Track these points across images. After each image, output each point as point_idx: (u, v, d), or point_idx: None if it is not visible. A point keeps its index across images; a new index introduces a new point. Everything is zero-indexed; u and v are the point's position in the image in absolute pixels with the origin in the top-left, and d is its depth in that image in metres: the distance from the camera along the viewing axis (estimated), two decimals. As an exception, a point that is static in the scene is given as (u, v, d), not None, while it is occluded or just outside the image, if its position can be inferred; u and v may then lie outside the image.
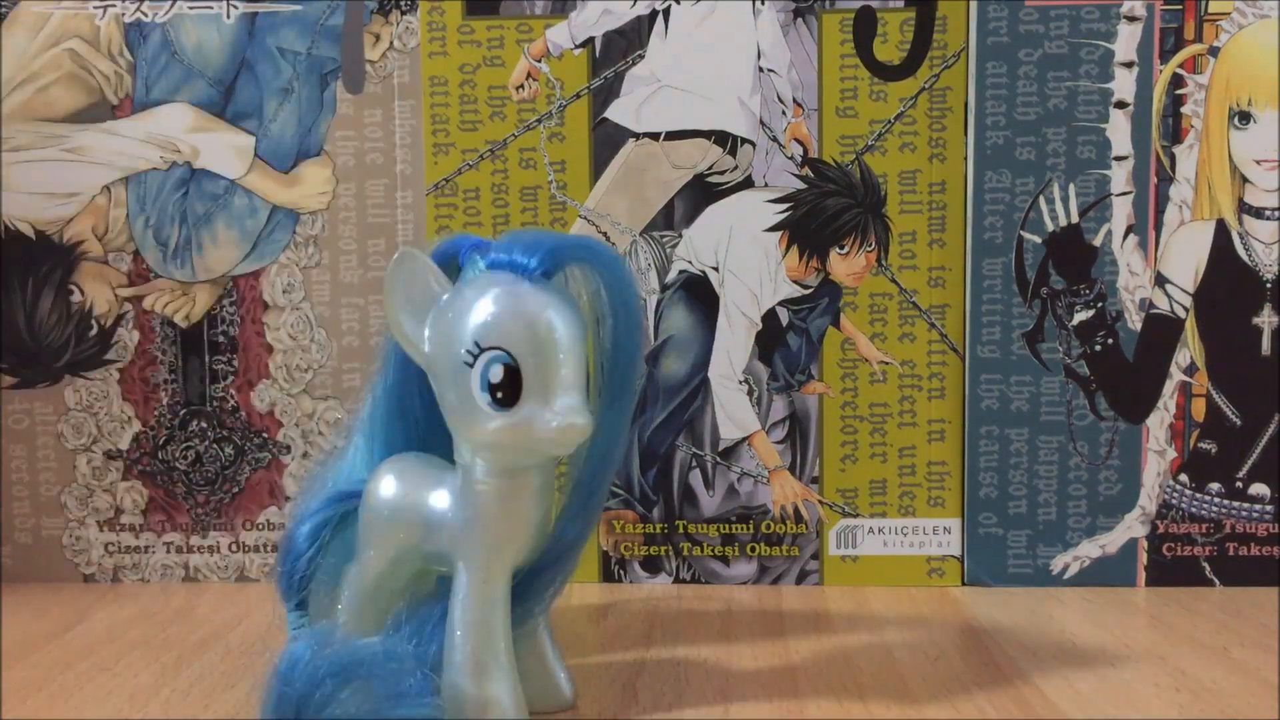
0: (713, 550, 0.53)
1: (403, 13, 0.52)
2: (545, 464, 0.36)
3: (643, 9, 0.51)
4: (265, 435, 0.54)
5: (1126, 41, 0.50)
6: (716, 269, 0.52)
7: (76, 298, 0.53)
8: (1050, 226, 0.51)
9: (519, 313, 0.34)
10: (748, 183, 0.52)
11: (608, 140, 0.52)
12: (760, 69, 0.51)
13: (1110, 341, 0.51)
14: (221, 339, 0.53)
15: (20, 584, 0.54)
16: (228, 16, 0.52)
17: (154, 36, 0.53)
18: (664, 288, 0.52)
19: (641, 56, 0.52)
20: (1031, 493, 0.52)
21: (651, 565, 0.53)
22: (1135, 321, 0.51)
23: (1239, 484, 0.51)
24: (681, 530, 0.53)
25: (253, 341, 0.53)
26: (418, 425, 0.39)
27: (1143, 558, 0.52)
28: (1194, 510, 0.52)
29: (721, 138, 0.52)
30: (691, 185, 0.52)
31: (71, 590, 0.53)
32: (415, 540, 0.37)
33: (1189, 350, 0.51)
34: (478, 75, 0.52)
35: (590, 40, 0.52)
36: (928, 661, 0.43)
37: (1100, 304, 0.51)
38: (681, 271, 0.52)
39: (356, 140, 0.53)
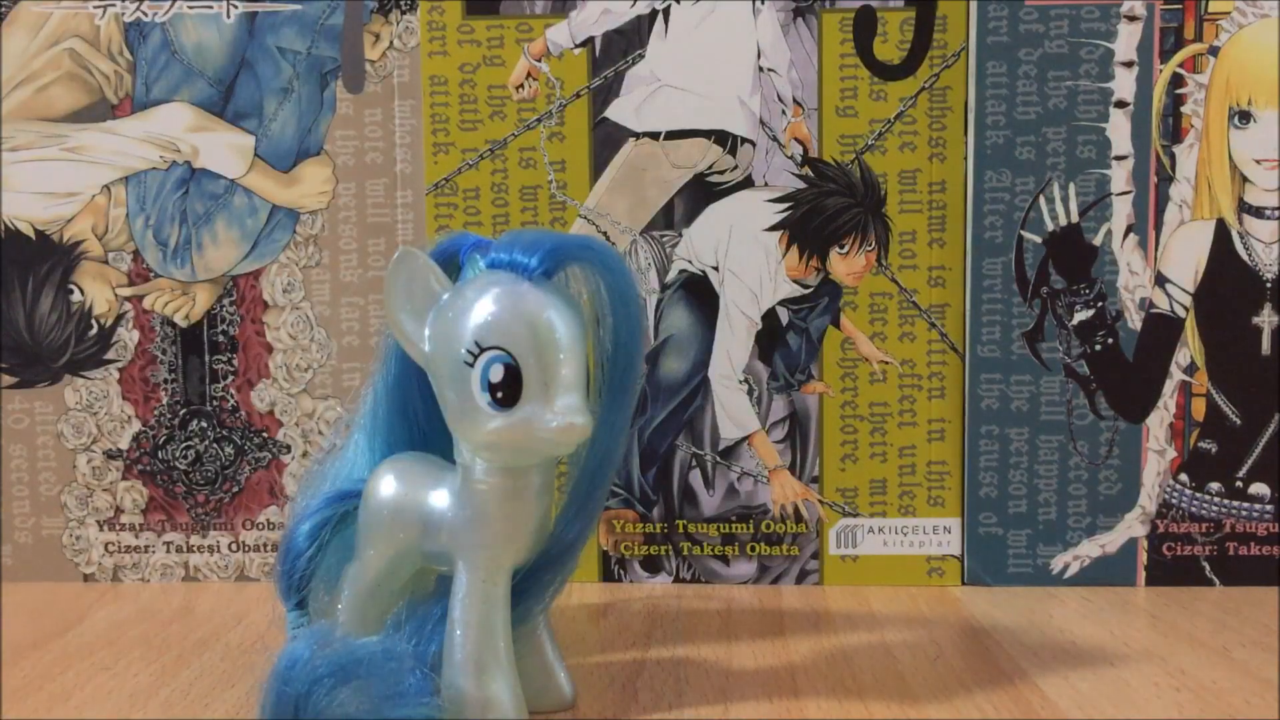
0: (713, 550, 0.53)
1: (403, 12, 0.52)
2: (545, 464, 0.36)
3: (643, 8, 0.51)
4: (265, 435, 0.54)
5: (1126, 41, 0.50)
6: (716, 268, 0.52)
7: (76, 297, 0.53)
8: (1050, 226, 0.51)
9: (519, 312, 0.34)
10: (748, 182, 0.52)
11: (608, 140, 0.52)
12: (760, 68, 0.51)
13: (1110, 341, 0.51)
14: (221, 338, 0.53)
15: (20, 584, 0.54)
16: (228, 16, 0.52)
17: (154, 36, 0.53)
18: (664, 287, 0.52)
19: (641, 56, 0.52)
20: (1031, 492, 0.52)
21: (651, 565, 0.53)
22: (1135, 321, 0.51)
23: (1239, 483, 0.51)
24: (681, 530, 0.53)
25: (253, 341, 0.53)
26: (418, 424, 0.39)
27: (1143, 557, 0.52)
28: (1194, 510, 0.52)
29: (721, 137, 0.52)
30: (691, 185, 0.52)
31: (71, 590, 0.53)
32: (415, 540, 0.37)
33: (1189, 350, 0.51)
34: (478, 75, 0.52)
35: (590, 40, 0.52)
36: (928, 661, 0.43)
37: (1100, 303, 0.51)
38: (681, 271, 0.52)
39: (356, 140, 0.53)
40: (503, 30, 0.52)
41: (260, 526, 0.54)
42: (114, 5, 0.53)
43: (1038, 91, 0.51)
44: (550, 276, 0.35)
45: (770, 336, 0.52)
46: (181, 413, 0.54)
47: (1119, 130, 0.51)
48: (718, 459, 0.53)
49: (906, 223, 0.51)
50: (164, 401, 0.54)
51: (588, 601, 0.51)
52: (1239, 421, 0.51)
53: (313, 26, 0.52)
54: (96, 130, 0.53)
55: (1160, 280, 0.51)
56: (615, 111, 0.52)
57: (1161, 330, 0.51)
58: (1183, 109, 0.51)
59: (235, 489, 0.54)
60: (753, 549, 0.53)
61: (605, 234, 0.52)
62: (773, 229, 0.52)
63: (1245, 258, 0.51)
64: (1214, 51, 0.50)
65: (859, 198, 0.51)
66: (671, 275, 0.52)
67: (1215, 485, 0.52)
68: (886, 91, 0.51)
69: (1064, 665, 0.42)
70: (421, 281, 0.36)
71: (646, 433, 0.53)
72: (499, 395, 0.34)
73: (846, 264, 0.52)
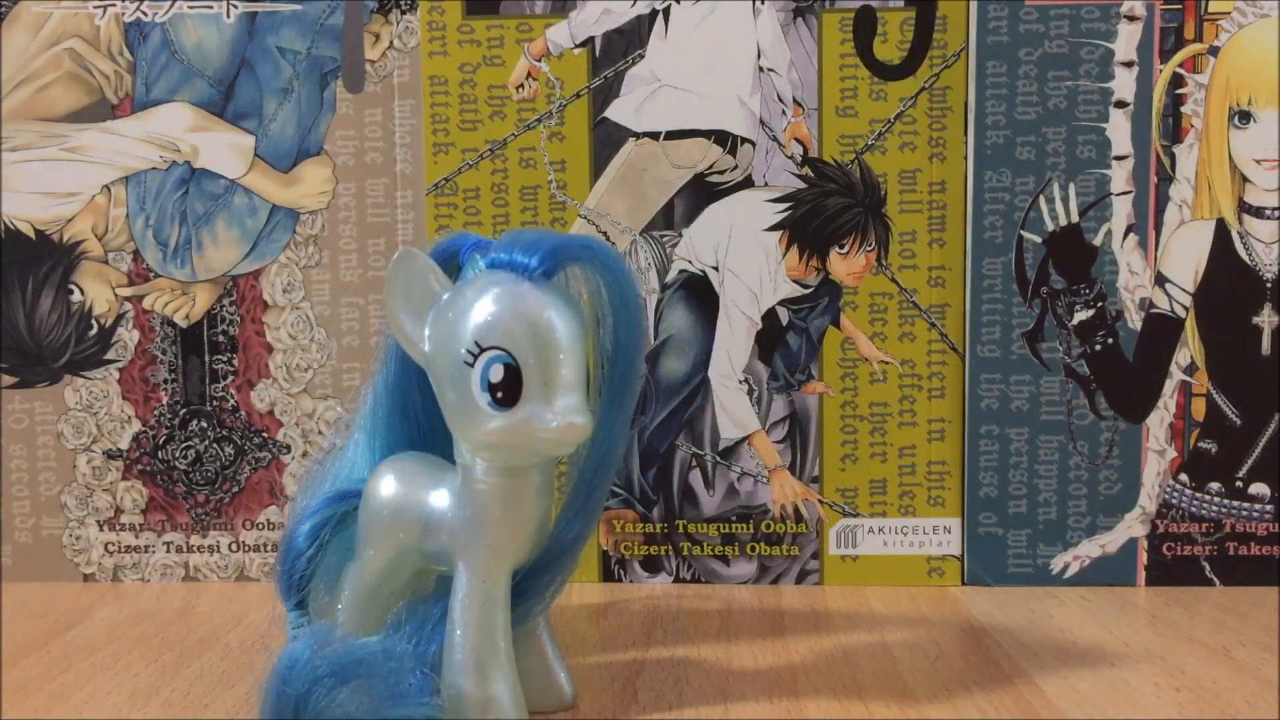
0: (713, 550, 0.53)
1: (403, 12, 0.52)
2: (545, 464, 0.36)
3: (643, 8, 0.51)
4: (265, 435, 0.54)
5: (1126, 41, 0.50)
6: (716, 268, 0.52)
7: (76, 297, 0.53)
8: (1050, 226, 0.51)
9: (519, 312, 0.34)
10: (748, 182, 0.52)
11: (608, 140, 0.52)
12: (760, 68, 0.51)
13: (1110, 341, 0.51)
14: (221, 338, 0.53)
15: (20, 584, 0.54)
16: (228, 16, 0.52)
17: (154, 36, 0.53)
18: (664, 287, 0.52)
19: (641, 56, 0.52)
20: (1031, 492, 0.52)
21: (651, 565, 0.53)
22: (1135, 321, 0.51)
23: (1239, 483, 0.51)
24: (681, 530, 0.53)
25: (253, 341, 0.53)
26: (418, 423, 0.39)
27: (1143, 557, 0.52)
28: (1194, 510, 0.52)
29: (721, 137, 0.52)
30: (691, 185, 0.52)
31: (71, 590, 0.53)
32: (415, 540, 0.37)
33: (1189, 350, 0.51)
34: (478, 75, 0.52)
35: (590, 40, 0.52)
36: (928, 661, 0.43)
37: (1100, 303, 0.51)
38: (681, 271, 0.52)
39: (356, 140, 0.53)
40: (503, 30, 0.52)
41: (260, 526, 0.54)
42: (114, 5, 0.53)
43: (1038, 91, 0.51)
44: (550, 276, 0.35)
45: (770, 336, 0.52)
46: (181, 413, 0.54)
47: (1119, 130, 0.51)
48: (718, 459, 0.53)
49: (906, 223, 0.51)
50: (164, 401, 0.54)
51: (588, 601, 0.51)
52: (1239, 421, 0.51)
53: (313, 26, 0.52)
54: (96, 130, 0.53)
55: (1160, 280, 0.51)
56: (615, 111, 0.52)
57: (1161, 330, 0.51)
58: (1183, 109, 0.51)
59: (235, 489, 0.54)
60: (753, 549, 0.53)
61: (605, 234, 0.52)
62: (773, 229, 0.52)
63: (1245, 258, 0.51)
64: (1214, 51, 0.50)
65: (859, 198, 0.51)
66: (671, 275, 0.52)
67: (1215, 485, 0.52)
68: (886, 91, 0.51)
69: (1064, 665, 0.42)
70: (421, 281, 0.36)
71: (646, 433, 0.53)
72: (499, 395, 0.34)
73: (846, 264, 0.52)
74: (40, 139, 0.53)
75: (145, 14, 0.53)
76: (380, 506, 0.37)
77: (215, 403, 0.54)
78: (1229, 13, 0.50)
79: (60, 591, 0.53)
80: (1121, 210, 0.51)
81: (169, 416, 0.54)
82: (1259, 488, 0.51)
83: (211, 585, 0.54)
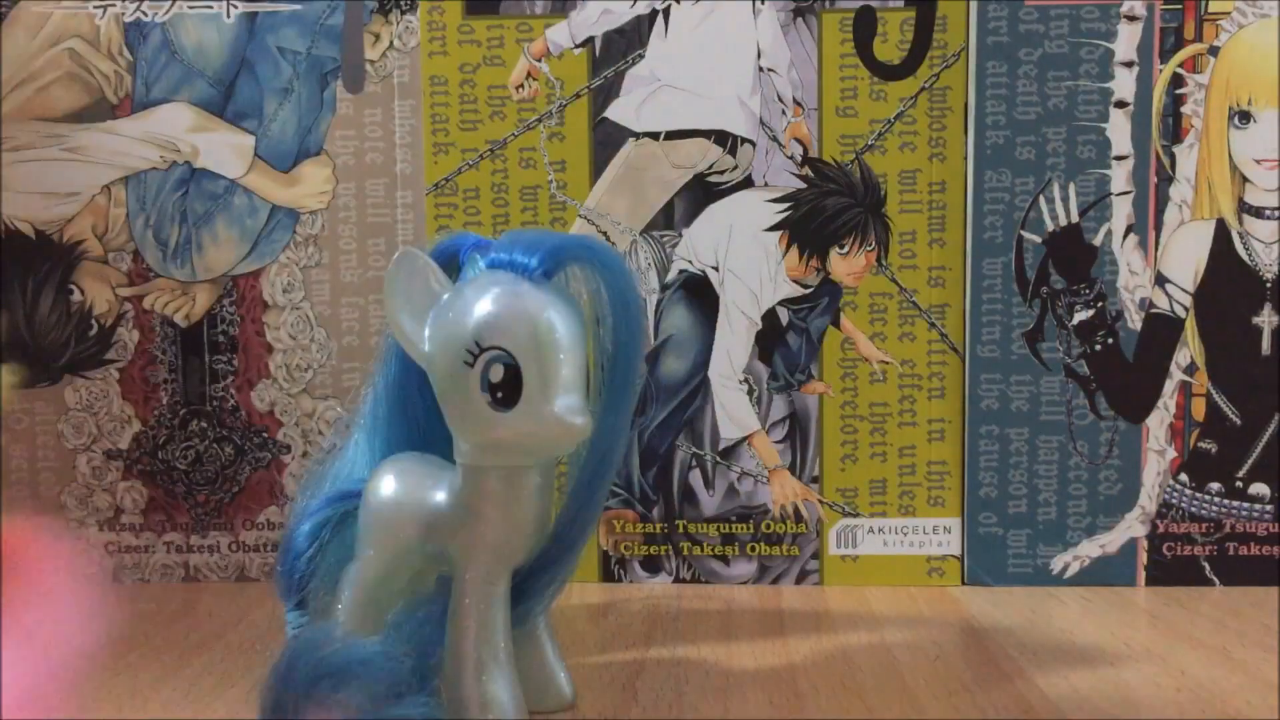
0: (713, 550, 0.53)
1: (403, 12, 0.52)
2: (545, 464, 0.36)
3: (643, 8, 0.51)
4: (265, 435, 0.54)
5: (1126, 41, 0.50)
6: (716, 268, 0.52)
7: (76, 297, 0.53)
8: (1050, 226, 0.51)
9: (519, 313, 0.34)
10: (748, 182, 0.52)
11: (608, 140, 0.52)
12: (760, 68, 0.51)
13: (1110, 341, 0.51)
14: (221, 338, 0.53)
15: (20, 583, 0.54)
16: (228, 16, 0.52)
17: (154, 36, 0.53)
18: (664, 287, 0.52)
19: (641, 56, 0.52)
20: (1031, 492, 0.52)
21: (651, 565, 0.53)
22: (1135, 321, 0.51)
23: (1239, 483, 0.51)
24: (681, 530, 0.53)
25: (253, 341, 0.53)
26: (418, 423, 0.39)
27: (1143, 557, 0.52)
28: (1194, 510, 0.52)
29: (721, 137, 0.52)
30: (691, 185, 0.52)
31: (71, 590, 0.53)
32: (415, 540, 0.37)
33: (1189, 350, 0.51)
34: (478, 75, 0.52)
35: (590, 40, 0.52)
36: (928, 661, 0.43)
37: (1100, 303, 0.51)
38: (681, 271, 0.52)
39: (356, 140, 0.53)
40: (503, 30, 0.52)
41: (260, 526, 0.54)
42: (114, 5, 0.53)
43: (1038, 91, 0.51)
44: (550, 276, 0.35)
45: (770, 336, 0.52)
46: (181, 413, 0.54)
47: (1119, 130, 0.51)
48: (718, 459, 0.53)
49: (906, 223, 0.51)
50: (164, 401, 0.54)
51: (588, 601, 0.51)
52: (1239, 421, 0.51)
53: (313, 26, 0.52)
54: (96, 130, 0.53)
55: (1160, 280, 0.51)
56: (615, 111, 0.52)
57: (1161, 330, 0.51)
58: (1183, 109, 0.51)
59: (235, 489, 0.54)
60: (753, 549, 0.53)
61: (605, 234, 0.52)
62: (773, 229, 0.52)
63: (1245, 258, 0.51)
64: (1214, 51, 0.50)
65: (859, 198, 0.51)
66: (671, 275, 0.52)
67: (1215, 485, 0.52)
68: (886, 91, 0.51)
69: (1064, 665, 0.42)
70: (421, 281, 0.36)
71: (646, 433, 0.53)
72: (499, 395, 0.34)
73: (846, 264, 0.52)
74: (40, 139, 0.53)
75: (145, 14, 0.53)
76: (380, 506, 0.37)
77: (215, 403, 0.54)
78: (1229, 13, 0.50)
79: (60, 591, 0.53)
80: (1121, 210, 0.51)
81: (169, 417, 0.54)
82: (1259, 488, 0.51)
83: (211, 585, 0.54)
